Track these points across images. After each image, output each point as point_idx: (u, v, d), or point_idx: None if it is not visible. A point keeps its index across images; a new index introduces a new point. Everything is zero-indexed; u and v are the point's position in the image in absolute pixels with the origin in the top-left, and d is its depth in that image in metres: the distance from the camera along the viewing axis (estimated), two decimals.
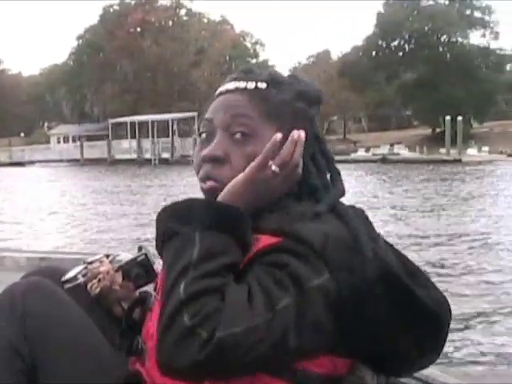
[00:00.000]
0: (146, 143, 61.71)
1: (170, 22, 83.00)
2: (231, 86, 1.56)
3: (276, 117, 1.51)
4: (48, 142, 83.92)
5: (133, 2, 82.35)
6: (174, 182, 33.57)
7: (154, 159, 59.34)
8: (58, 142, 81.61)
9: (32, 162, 68.40)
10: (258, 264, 1.36)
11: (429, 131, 76.53)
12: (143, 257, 1.85)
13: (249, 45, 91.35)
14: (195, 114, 62.80)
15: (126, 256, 1.91)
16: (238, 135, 1.50)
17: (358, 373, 1.49)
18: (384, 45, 77.99)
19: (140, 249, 1.89)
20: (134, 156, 61.30)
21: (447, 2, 78.04)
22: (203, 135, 1.56)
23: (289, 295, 1.30)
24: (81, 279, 1.82)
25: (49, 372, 1.60)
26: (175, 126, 63.42)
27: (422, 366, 1.58)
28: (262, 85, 1.54)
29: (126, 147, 63.55)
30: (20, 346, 1.60)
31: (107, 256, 1.92)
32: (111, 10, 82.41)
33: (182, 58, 79.81)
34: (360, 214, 1.50)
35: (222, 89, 1.58)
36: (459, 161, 50.74)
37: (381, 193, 25.10)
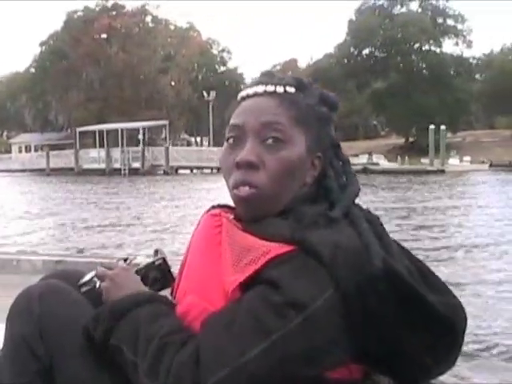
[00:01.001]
0: (115, 152, 59.65)
1: (137, 29, 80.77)
2: (259, 89, 1.56)
3: (304, 121, 1.53)
4: (8, 151, 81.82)
5: (97, 8, 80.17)
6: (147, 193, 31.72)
7: (124, 169, 57.39)
8: (20, 151, 79.88)
9: None
10: (259, 283, 1.37)
11: (400, 141, 75.65)
12: (161, 261, 1.84)
13: (215, 52, 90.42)
14: (166, 122, 61.38)
15: (143, 260, 1.88)
16: (270, 140, 1.51)
17: (374, 377, 1.49)
18: (356, 52, 76.99)
19: (156, 252, 1.89)
20: (103, 166, 59.28)
21: (420, 10, 77.38)
22: (230, 140, 1.56)
23: (288, 321, 1.31)
24: (97, 282, 1.75)
25: (64, 373, 1.59)
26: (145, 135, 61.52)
27: (438, 372, 1.52)
28: (291, 89, 1.56)
29: (93, 156, 61.36)
30: (36, 347, 1.60)
31: (125, 260, 1.85)
32: (75, 16, 79.88)
33: (150, 65, 77.88)
34: (374, 220, 1.50)
35: (248, 92, 1.58)
36: (442, 171, 49.64)
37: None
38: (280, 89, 1.55)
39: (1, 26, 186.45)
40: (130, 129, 61.50)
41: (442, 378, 1.61)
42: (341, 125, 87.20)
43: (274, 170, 1.50)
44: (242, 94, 1.60)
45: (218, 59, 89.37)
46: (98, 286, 1.76)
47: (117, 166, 58.42)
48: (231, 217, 1.58)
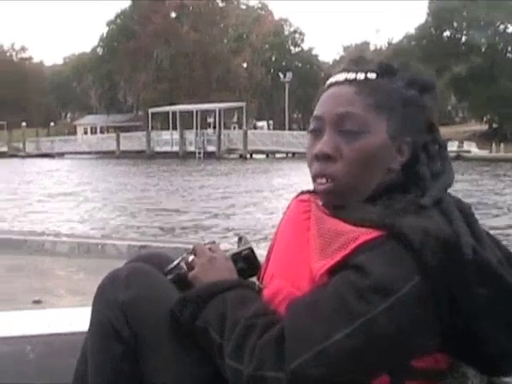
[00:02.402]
0: (189, 135, 56.94)
1: (208, 8, 77.66)
2: (341, 77, 1.57)
3: (385, 107, 1.52)
4: (71, 133, 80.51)
5: None
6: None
7: (199, 152, 54.63)
8: (85, 133, 78.24)
9: (61, 154, 64.42)
10: (346, 269, 1.38)
11: (480, 127, 72.03)
12: (248, 251, 1.82)
13: (287, 33, 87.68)
14: (243, 104, 58.55)
15: (227, 246, 1.86)
16: (346, 131, 1.51)
17: (461, 368, 1.48)
18: (436, 34, 73.41)
19: (240, 240, 1.88)
20: (176, 149, 56.47)
21: None
22: (312, 132, 1.58)
23: (374, 307, 1.32)
24: (184, 268, 1.76)
25: (148, 357, 1.61)
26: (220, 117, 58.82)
27: None
28: (372, 75, 1.55)
29: (166, 139, 58.53)
30: (122, 329, 1.61)
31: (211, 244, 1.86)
32: None
33: (221, 45, 75.60)
34: (466, 209, 1.49)
35: (332, 80, 1.59)
36: None
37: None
38: (361, 75, 1.53)
39: (67, 6, 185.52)
40: (203, 110, 59.16)
41: None
42: None
43: (351, 160, 1.49)
44: (327, 82, 1.59)
45: (290, 40, 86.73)
46: (184, 271, 1.74)
47: (191, 149, 55.90)
48: (320, 203, 1.57)
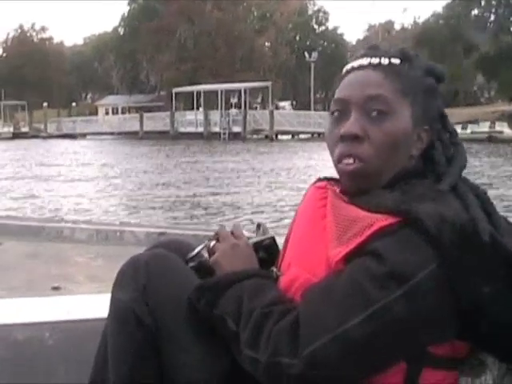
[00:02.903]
0: (213, 115, 55.94)
1: None
2: (365, 61, 1.56)
3: (409, 93, 1.53)
4: (92, 113, 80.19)
5: None
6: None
7: (224, 133, 53.53)
8: (107, 113, 77.57)
9: (83, 135, 63.84)
10: (362, 255, 1.38)
11: (507, 107, 70.50)
12: (270, 241, 1.82)
13: (310, 12, 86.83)
14: (269, 83, 57.55)
15: (248, 234, 1.84)
16: (374, 113, 1.51)
17: (480, 356, 1.47)
18: (464, 13, 71.97)
19: (259, 226, 1.88)
20: (200, 129, 55.50)
21: None
22: (335, 114, 1.57)
23: (389, 293, 1.32)
24: (205, 256, 1.76)
25: (169, 342, 1.62)
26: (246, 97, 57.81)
27: None
28: (396, 60, 1.55)
29: (190, 119, 57.54)
30: (142, 315, 1.62)
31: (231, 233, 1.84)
32: None
33: (245, 24, 74.71)
34: (482, 195, 1.50)
35: (353, 64, 1.59)
36: None
37: None
38: (385, 61, 1.54)
39: None
40: (228, 90, 58.19)
41: None
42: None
43: (378, 142, 1.49)
44: (347, 67, 1.59)
45: (314, 19, 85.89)
46: (205, 259, 1.74)
47: (215, 129, 54.89)
48: (337, 190, 1.59)
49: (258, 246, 1.76)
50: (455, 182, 1.47)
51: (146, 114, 60.59)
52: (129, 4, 79.79)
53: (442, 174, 1.50)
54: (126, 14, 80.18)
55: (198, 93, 58.04)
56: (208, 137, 53.06)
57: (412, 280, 1.31)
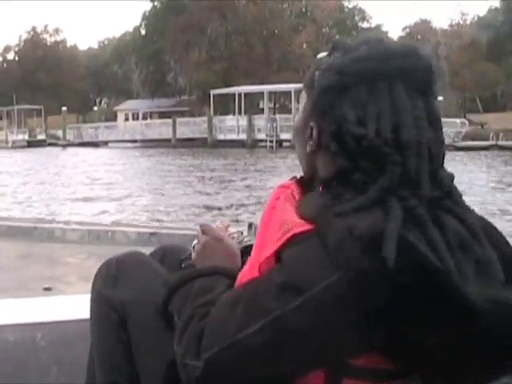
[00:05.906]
0: (257, 120, 50.59)
1: None
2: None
3: (306, 86, 1.56)
4: (108, 119, 76.35)
5: None
6: None
7: (271, 141, 47.79)
8: (126, 119, 72.74)
9: (105, 143, 58.78)
10: (278, 261, 1.38)
11: None
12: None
13: (346, 10, 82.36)
14: None
15: (235, 231, 1.88)
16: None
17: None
18: None
19: (250, 226, 1.99)
20: (243, 136, 50.19)
21: None
22: None
23: (285, 304, 1.30)
24: (193, 254, 1.81)
25: (136, 336, 1.84)
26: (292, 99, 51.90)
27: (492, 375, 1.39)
28: (323, 54, 1.58)
29: (231, 125, 52.05)
30: (112, 301, 1.87)
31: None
32: None
33: (282, 21, 70.11)
34: (469, 225, 1.37)
35: None
36: None
37: None
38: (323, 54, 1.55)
39: None
40: (273, 92, 53.56)
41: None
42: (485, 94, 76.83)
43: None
44: None
45: (356, 16, 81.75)
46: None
47: (259, 136, 49.58)
48: (298, 190, 1.54)
49: (247, 250, 1.69)
50: (382, 193, 1.32)
51: (179, 119, 55.51)
52: (151, 0, 75.41)
53: (370, 182, 1.35)
54: (147, 13, 75.59)
55: (238, 95, 52.73)
56: (252, 145, 48.04)
57: (308, 291, 1.27)
